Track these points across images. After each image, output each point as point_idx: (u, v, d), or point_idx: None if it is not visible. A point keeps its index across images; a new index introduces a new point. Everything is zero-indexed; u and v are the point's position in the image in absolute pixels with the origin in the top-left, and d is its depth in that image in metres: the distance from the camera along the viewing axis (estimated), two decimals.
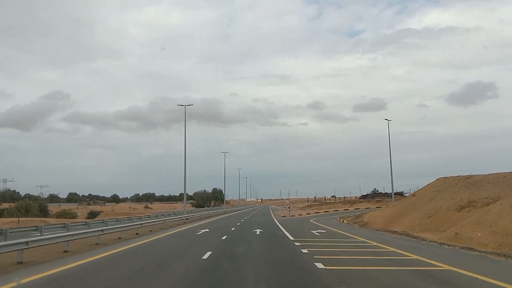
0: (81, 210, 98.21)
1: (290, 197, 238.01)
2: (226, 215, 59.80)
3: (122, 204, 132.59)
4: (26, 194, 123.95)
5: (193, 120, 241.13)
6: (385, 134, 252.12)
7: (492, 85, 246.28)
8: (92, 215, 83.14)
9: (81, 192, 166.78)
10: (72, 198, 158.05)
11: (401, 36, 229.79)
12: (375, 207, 66.33)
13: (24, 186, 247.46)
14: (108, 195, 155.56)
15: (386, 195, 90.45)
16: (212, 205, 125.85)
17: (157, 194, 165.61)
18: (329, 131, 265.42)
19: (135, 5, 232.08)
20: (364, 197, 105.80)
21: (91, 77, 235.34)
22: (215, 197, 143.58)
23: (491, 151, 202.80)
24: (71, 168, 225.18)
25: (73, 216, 66.24)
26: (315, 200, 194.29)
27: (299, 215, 58.71)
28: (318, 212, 66.91)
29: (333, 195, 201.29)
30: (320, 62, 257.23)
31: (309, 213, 64.12)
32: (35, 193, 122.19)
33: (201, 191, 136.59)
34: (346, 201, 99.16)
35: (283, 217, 51.64)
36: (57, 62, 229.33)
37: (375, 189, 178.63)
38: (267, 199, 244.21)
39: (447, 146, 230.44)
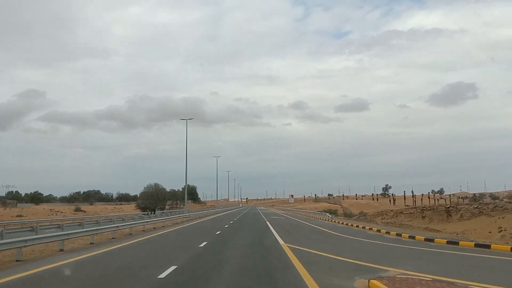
0: None
1: (278, 197, 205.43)
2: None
3: (43, 205, 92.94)
4: None
5: (174, 120, 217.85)
6: (367, 135, 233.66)
7: (472, 85, 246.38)
8: None
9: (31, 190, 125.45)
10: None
11: (387, 38, 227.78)
12: None
13: None
14: (67, 194, 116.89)
15: None
16: (168, 207, 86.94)
17: (102, 192, 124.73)
18: (313, 131, 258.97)
19: (120, 4, 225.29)
20: None
21: (71, 76, 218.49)
22: (179, 197, 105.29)
23: (477, 152, 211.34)
24: (46, 169, 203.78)
25: None
26: (316, 199, 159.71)
27: None
28: None
29: (330, 193, 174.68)
30: (307, 63, 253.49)
31: None
32: (1, 193, 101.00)
33: (153, 184, 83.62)
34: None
35: None
36: (38, 61, 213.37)
37: (387, 185, 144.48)
38: (253, 199, 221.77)
39: (429, 147, 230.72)
